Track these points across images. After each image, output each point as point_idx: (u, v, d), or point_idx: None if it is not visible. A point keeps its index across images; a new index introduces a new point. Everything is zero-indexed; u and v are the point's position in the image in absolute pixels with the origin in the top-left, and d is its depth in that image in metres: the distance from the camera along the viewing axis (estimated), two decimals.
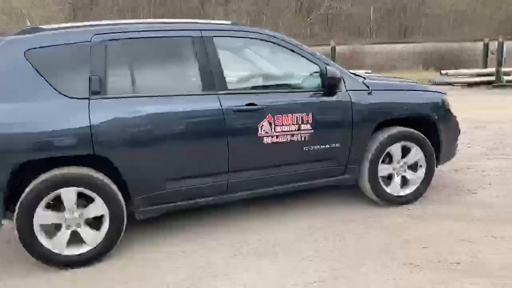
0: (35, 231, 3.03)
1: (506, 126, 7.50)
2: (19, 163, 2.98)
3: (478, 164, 5.31)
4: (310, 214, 3.98)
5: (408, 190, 4.14)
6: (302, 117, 3.64)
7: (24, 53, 3.07)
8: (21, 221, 2.99)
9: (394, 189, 4.07)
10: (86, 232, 3.17)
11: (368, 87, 3.90)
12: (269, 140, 3.56)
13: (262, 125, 3.52)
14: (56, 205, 3.11)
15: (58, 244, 3.11)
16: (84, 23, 3.53)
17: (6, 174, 2.95)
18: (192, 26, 3.57)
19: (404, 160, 4.09)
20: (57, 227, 3.14)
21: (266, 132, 3.54)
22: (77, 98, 3.10)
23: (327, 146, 3.77)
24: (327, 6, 22.68)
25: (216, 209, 4.02)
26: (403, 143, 4.02)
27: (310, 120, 3.66)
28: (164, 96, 3.35)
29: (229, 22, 3.91)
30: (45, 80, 3.07)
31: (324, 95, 3.74)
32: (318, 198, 4.33)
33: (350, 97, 3.79)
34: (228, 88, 3.50)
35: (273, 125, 3.55)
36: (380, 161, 3.98)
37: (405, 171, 4.12)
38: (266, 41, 3.72)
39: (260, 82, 3.91)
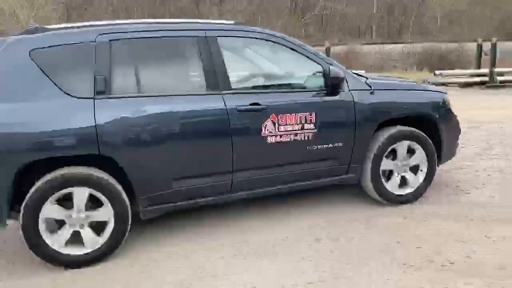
0: (40, 231, 3.03)
1: (500, 126, 7.53)
2: (23, 163, 2.98)
3: (472, 165, 5.32)
4: (311, 214, 3.98)
5: (409, 190, 4.16)
6: (305, 116, 3.65)
7: (29, 53, 3.07)
8: (27, 221, 2.99)
9: (393, 186, 4.08)
10: (87, 234, 3.16)
11: (370, 86, 3.92)
12: (273, 140, 3.57)
13: (266, 124, 3.53)
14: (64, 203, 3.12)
15: (57, 240, 3.10)
16: (87, 23, 3.52)
17: (11, 174, 2.94)
18: (196, 26, 3.58)
19: (406, 161, 4.12)
20: (60, 225, 3.14)
21: (270, 132, 3.55)
22: (82, 98, 3.10)
23: (330, 145, 3.79)
24: (321, 7, 22.76)
25: (216, 209, 4.02)
26: (405, 142, 4.04)
27: (314, 120, 3.68)
28: (169, 96, 3.35)
29: (232, 22, 3.92)
30: (50, 80, 3.06)
31: (327, 94, 3.76)
32: (319, 197, 4.34)
33: (353, 97, 3.81)
34: (232, 88, 3.51)
35: (276, 124, 3.56)
36: (384, 156, 4.00)
37: (405, 171, 4.14)
38: (270, 41, 3.73)
39: (263, 82, 3.93)
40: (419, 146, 4.08)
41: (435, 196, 4.32)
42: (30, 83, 3.04)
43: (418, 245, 3.32)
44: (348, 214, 3.98)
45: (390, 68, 19.95)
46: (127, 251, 3.34)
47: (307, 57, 3.78)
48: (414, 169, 4.17)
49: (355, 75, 4.00)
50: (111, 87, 3.17)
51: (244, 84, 3.77)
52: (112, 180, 3.18)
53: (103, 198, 3.14)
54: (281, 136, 3.59)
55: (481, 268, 2.97)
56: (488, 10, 21.08)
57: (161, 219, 3.65)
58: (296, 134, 3.64)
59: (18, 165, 2.96)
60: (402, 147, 4.05)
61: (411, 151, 4.11)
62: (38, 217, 3.01)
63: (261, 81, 3.93)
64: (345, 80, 3.76)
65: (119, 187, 3.20)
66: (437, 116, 4.18)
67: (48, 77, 3.06)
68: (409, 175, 4.15)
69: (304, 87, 3.82)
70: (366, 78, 4.06)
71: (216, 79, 3.45)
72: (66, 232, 3.13)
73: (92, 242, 3.16)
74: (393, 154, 4.07)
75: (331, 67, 3.67)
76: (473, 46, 17.17)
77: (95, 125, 3.07)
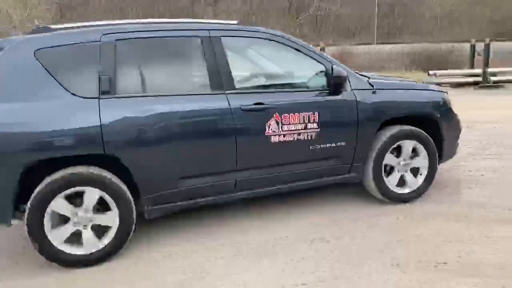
0: (45, 231, 3.04)
1: (493, 126, 7.58)
2: (27, 164, 2.98)
3: (465, 164, 5.34)
4: (311, 213, 4.00)
5: (410, 189, 4.19)
6: (308, 116, 3.68)
7: (34, 53, 3.07)
8: (32, 221, 3.00)
9: (395, 184, 4.12)
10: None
11: (372, 86, 3.95)
12: (277, 139, 3.60)
13: (270, 124, 3.56)
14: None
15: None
16: (91, 23, 3.53)
17: (16, 174, 2.95)
18: (200, 26, 3.59)
19: (408, 160, 4.15)
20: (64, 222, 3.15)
21: (274, 131, 3.58)
22: (87, 98, 3.11)
23: (333, 144, 3.82)
24: (316, 7, 22.79)
25: (216, 209, 4.03)
26: (406, 141, 4.08)
27: (317, 119, 3.70)
28: (173, 95, 3.37)
29: (235, 22, 3.94)
30: (55, 79, 3.07)
31: (330, 94, 3.78)
32: (319, 197, 4.36)
33: (355, 96, 3.84)
34: (236, 87, 3.53)
35: (280, 124, 3.59)
36: (386, 155, 4.03)
37: (407, 171, 4.17)
38: (273, 40, 3.75)
39: (267, 81, 3.94)
40: (421, 146, 4.11)
41: (435, 195, 4.34)
42: (35, 83, 3.05)
43: (419, 245, 3.34)
44: (349, 213, 4.00)
45: (385, 68, 20.04)
46: (127, 251, 3.35)
47: (310, 56, 3.80)
48: (416, 169, 4.20)
49: (358, 75, 4.02)
50: (115, 87, 3.18)
51: (248, 83, 3.78)
52: (116, 180, 3.19)
53: (107, 197, 3.16)
54: (284, 135, 3.61)
55: (481, 268, 2.98)
56: (488, 10, 21.23)
57: (161, 219, 3.65)
58: (299, 134, 3.66)
59: (23, 165, 2.96)
60: (404, 146, 4.09)
61: (412, 150, 4.14)
62: (44, 217, 3.02)
63: (264, 81, 3.94)
64: (347, 80, 3.79)
65: (123, 187, 3.22)
66: (438, 115, 4.21)
67: (53, 77, 3.07)
68: (410, 174, 4.18)
69: (307, 87, 3.83)
70: (368, 77, 4.09)
71: (220, 78, 3.47)
72: (67, 230, 3.14)
73: (91, 244, 3.17)
74: (395, 153, 4.11)
75: (334, 67, 3.69)
76: (467, 46, 17.29)
77: (100, 125, 3.08)
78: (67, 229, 3.13)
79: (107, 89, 3.15)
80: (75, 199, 3.13)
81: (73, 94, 3.09)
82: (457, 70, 16.52)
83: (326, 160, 3.87)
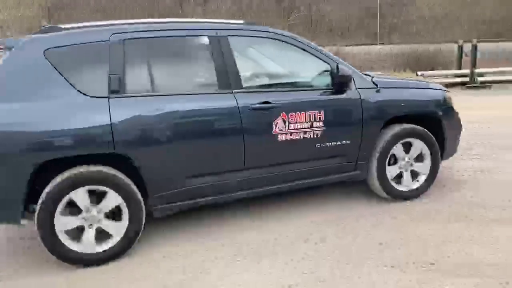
0: (56, 230, 3.04)
1: (480, 126, 7.61)
2: (39, 163, 2.98)
3: (452, 165, 5.33)
4: (311, 213, 4.02)
5: (412, 186, 4.25)
6: (314, 114, 3.73)
7: (44, 52, 3.08)
8: (42, 221, 3.00)
9: (397, 183, 4.17)
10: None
11: (376, 85, 4.01)
12: (283, 137, 3.64)
13: (277, 122, 3.60)
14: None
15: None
16: (100, 23, 3.55)
17: (26, 174, 2.96)
18: (208, 26, 3.63)
19: (411, 159, 4.20)
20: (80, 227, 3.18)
21: (281, 130, 3.62)
22: (97, 97, 3.13)
23: (338, 143, 3.87)
24: (308, 7, 22.84)
25: (216, 209, 4.05)
26: (410, 139, 4.13)
27: (322, 118, 3.75)
28: (181, 94, 3.40)
29: (242, 22, 3.98)
30: (65, 79, 3.08)
31: (335, 93, 3.83)
32: (320, 196, 4.39)
33: (360, 95, 3.89)
34: (244, 86, 3.56)
35: (287, 122, 3.63)
36: (390, 153, 4.08)
37: (409, 169, 4.22)
38: (279, 40, 3.79)
39: (273, 80, 3.98)
40: (424, 144, 4.17)
41: (436, 194, 4.38)
42: (45, 82, 3.06)
43: (419, 245, 3.36)
44: (349, 212, 4.03)
45: (374, 69, 20.14)
46: (127, 251, 3.35)
47: (316, 56, 3.85)
48: (418, 166, 4.25)
49: (361, 74, 4.07)
50: (125, 86, 3.20)
51: (255, 82, 3.82)
52: (127, 179, 3.21)
53: (119, 199, 3.19)
54: (291, 134, 3.66)
55: (481, 268, 2.99)
56: (475, 11, 21.44)
57: (161, 219, 3.66)
58: (305, 132, 3.71)
59: (33, 165, 2.96)
60: (407, 144, 4.14)
61: (416, 149, 4.19)
62: (54, 217, 3.02)
63: (271, 80, 3.97)
64: (352, 79, 3.84)
65: (133, 186, 3.24)
66: (441, 113, 4.27)
67: (62, 76, 3.08)
68: (413, 172, 4.24)
69: (313, 86, 3.88)
70: (372, 76, 4.14)
71: (228, 78, 3.50)
72: (89, 233, 3.18)
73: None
74: (398, 152, 4.15)
75: (339, 66, 3.74)
76: (454, 47, 17.49)
77: (111, 124, 3.10)
78: (72, 222, 3.14)
79: (117, 88, 3.17)
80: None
81: (83, 94, 3.10)
82: (445, 70, 16.66)
83: (331, 158, 3.92)
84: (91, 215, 3.14)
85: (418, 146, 4.19)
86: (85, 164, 3.12)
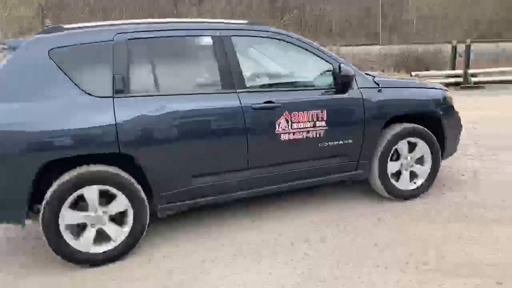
0: (61, 230, 3.04)
1: (473, 127, 7.57)
2: (42, 163, 2.98)
3: (447, 165, 5.29)
4: (312, 212, 4.02)
5: (413, 186, 4.27)
6: (317, 114, 3.74)
7: (48, 52, 3.08)
8: (47, 222, 3.00)
9: (399, 182, 4.19)
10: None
11: (378, 84, 4.03)
12: (286, 137, 3.65)
13: (280, 122, 3.61)
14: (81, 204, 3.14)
15: (85, 243, 3.14)
16: (103, 23, 3.55)
17: (32, 174, 2.96)
18: (211, 26, 3.64)
19: (412, 158, 4.22)
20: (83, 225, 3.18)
21: (283, 129, 3.63)
22: (101, 97, 3.13)
23: (341, 142, 3.88)
24: (301, 7, 22.87)
25: (216, 209, 4.05)
26: (411, 139, 4.15)
27: (325, 117, 3.77)
28: (186, 94, 3.41)
29: (245, 22, 3.99)
30: (70, 79, 3.08)
31: (337, 92, 3.85)
32: (320, 195, 4.40)
33: (362, 95, 3.91)
34: (247, 86, 3.57)
35: (289, 122, 3.64)
36: (391, 153, 4.10)
37: (411, 168, 4.24)
38: (282, 40, 3.80)
39: (276, 80, 3.99)
40: (424, 143, 4.20)
41: (436, 194, 4.38)
42: (50, 82, 3.06)
43: (419, 245, 3.36)
44: (347, 211, 4.04)
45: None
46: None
47: (318, 56, 3.87)
48: (419, 166, 4.28)
49: (363, 73, 4.09)
50: (129, 86, 3.21)
51: (258, 82, 3.83)
52: (132, 179, 3.21)
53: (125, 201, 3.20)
54: (294, 133, 3.67)
55: (481, 268, 3.00)
56: (469, 12, 21.54)
57: (161, 219, 3.66)
58: (308, 131, 3.73)
59: (38, 165, 2.96)
60: (408, 143, 4.16)
61: (416, 148, 4.22)
62: (59, 217, 3.02)
63: (274, 80, 3.99)
64: (354, 78, 3.86)
65: (138, 186, 3.24)
66: (441, 112, 4.30)
67: (67, 76, 3.08)
68: (414, 171, 4.26)
69: (316, 85, 3.89)
70: (373, 76, 4.16)
71: (231, 78, 3.51)
72: (91, 233, 3.18)
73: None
74: (399, 151, 4.17)
75: (342, 65, 3.76)
76: (449, 47, 17.58)
77: (115, 124, 3.10)
78: (76, 218, 3.14)
79: (121, 88, 3.17)
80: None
81: (88, 94, 3.10)
82: (439, 71, 16.74)
83: (333, 158, 3.94)
84: (97, 215, 3.14)
85: (421, 148, 4.21)
86: (88, 164, 3.12)
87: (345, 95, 3.86)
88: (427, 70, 16.85)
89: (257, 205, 4.16)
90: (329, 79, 3.86)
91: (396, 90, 4.19)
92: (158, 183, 3.33)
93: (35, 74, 3.05)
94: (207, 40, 3.54)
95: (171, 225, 3.80)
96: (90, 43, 3.21)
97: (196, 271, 3.10)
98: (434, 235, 3.53)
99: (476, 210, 4.01)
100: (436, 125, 4.31)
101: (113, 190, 3.15)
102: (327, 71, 3.87)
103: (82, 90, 3.10)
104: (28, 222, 3.12)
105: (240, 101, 3.49)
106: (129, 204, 3.21)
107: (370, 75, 4.19)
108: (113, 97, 3.15)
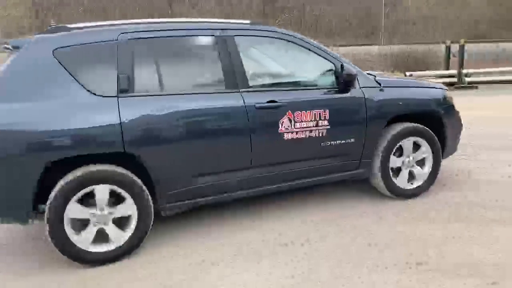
0: (65, 229, 3.04)
1: (467, 127, 7.49)
2: (48, 163, 2.97)
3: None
4: (312, 212, 4.02)
5: (415, 185, 4.28)
6: (319, 113, 3.76)
7: (53, 52, 3.08)
8: (52, 221, 3.00)
9: (401, 181, 4.21)
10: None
11: (379, 84, 4.05)
12: (289, 136, 3.67)
13: (283, 121, 3.63)
14: (87, 201, 3.14)
15: (84, 240, 3.13)
16: (106, 23, 3.54)
17: (37, 174, 2.95)
18: (214, 26, 3.64)
19: (413, 157, 4.24)
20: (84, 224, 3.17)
21: (287, 128, 3.65)
22: (106, 96, 3.13)
23: (343, 141, 3.90)
24: (298, 7, 22.85)
25: (216, 209, 4.05)
26: (412, 138, 4.17)
27: (327, 117, 3.78)
28: (190, 94, 3.41)
29: (248, 22, 3.99)
30: (74, 78, 3.08)
31: (339, 92, 3.86)
32: (320, 195, 4.41)
33: (364, 94, 3.93)
34: (250, 85, 3.58)
35: (292, 121, 3.66)
36: (392, 152, 4.12)
37: (412, 167, 4.26)
38: (284, 40, 3.82)
39: (279, 79, 4.00)
40: (426, 142, 4.22)
41: (436, 194, 4.39)
42: (54, 82, 3.05)
43: (419, 245, 3.37)
44: (346, 211, 4.04)
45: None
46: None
47: (321, 55, 3.88)
48: (421, 165, 4.30)
49: (365, 73, 4.11)
50: (133, 85, 3.21)
51: (261, 82, 3.83)
52: (136, 178, 3.21)
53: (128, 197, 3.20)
54: (297, 132, 3.69)
55: (481, 268, 3.00)
56: (463, 12, 21.63)
57: (161, 219, 3.66)
58: (311, 131, 3.74)
59: (43, 165, 2.96)
60: (409, 143, 4.18)
61: (417, 147, 4.24)
62: (63, 216, 3.02)
63: (277, 79, 4.00)
64: (356, 78, 3.88)
65: (142, 186, 3.24)
66: (441, 112, 4.33)
67: (72, 76, 3.08)
68: (416, 170, 4.28)
69: (319, 85, 3.90)
70: (375, 75, 4.18)
71: (235, 77, 3.53)
72: (91, 231, 3.18)
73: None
74: (401, 150, 4.19)
75: (344, 65, 3.79)
76: (443, 48, 17.66)
77: (120, 123, 3.10)
78: (81, 213, 3.14)
79: (126, 88, 3.18)
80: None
81: (92, 93, 3.10)
82: (433, 71, 16.82)
83: (336, 157, 3.95)
84: (102, 214, 3.14)
85: (424, 151, 4.23)
86: (92, 163, 3.12)
87: (348, 95, 3.88)
88: (427, 70, 16.90)
89: (257, 204, 4.16)
90: (331, 79, 3.88)
91: (398, 89, 4.21)
92: (162, 182, 3.33)
93: (39, 74, 3.04)
94: (211, 40, 3.55)
95: (171, 225, 3.80)
96: (94, 43, 3.21)
97: (196, 271, 3.10)
98: (434, 235, 3.54)
99: (476, 210, 4.02)
100: (437, 124, 4.34)
101: (122, 192, 3.16)
102: (330, 70, 3.89)
103: (87, 90, 3.09)
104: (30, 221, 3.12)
105: (243, 101, 3.50)
106: (135, 205, 3.21)
107: (371, 74, 4.21)
108: (117, 96, 3.15)
